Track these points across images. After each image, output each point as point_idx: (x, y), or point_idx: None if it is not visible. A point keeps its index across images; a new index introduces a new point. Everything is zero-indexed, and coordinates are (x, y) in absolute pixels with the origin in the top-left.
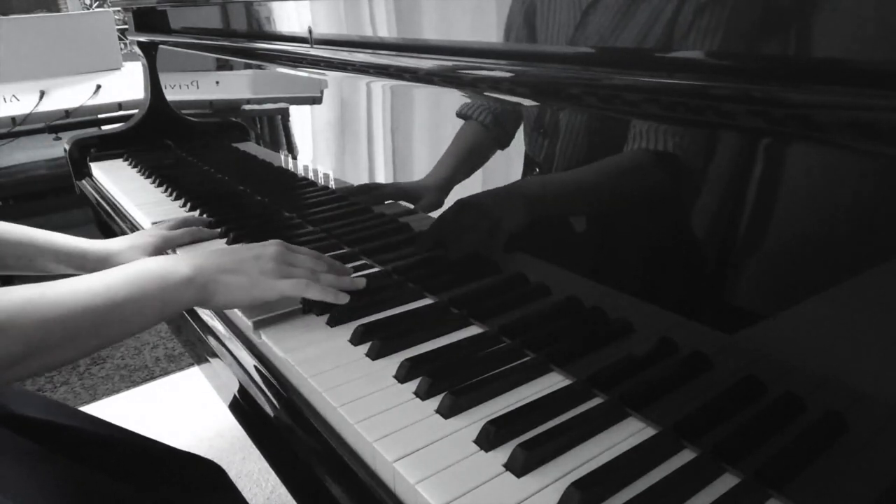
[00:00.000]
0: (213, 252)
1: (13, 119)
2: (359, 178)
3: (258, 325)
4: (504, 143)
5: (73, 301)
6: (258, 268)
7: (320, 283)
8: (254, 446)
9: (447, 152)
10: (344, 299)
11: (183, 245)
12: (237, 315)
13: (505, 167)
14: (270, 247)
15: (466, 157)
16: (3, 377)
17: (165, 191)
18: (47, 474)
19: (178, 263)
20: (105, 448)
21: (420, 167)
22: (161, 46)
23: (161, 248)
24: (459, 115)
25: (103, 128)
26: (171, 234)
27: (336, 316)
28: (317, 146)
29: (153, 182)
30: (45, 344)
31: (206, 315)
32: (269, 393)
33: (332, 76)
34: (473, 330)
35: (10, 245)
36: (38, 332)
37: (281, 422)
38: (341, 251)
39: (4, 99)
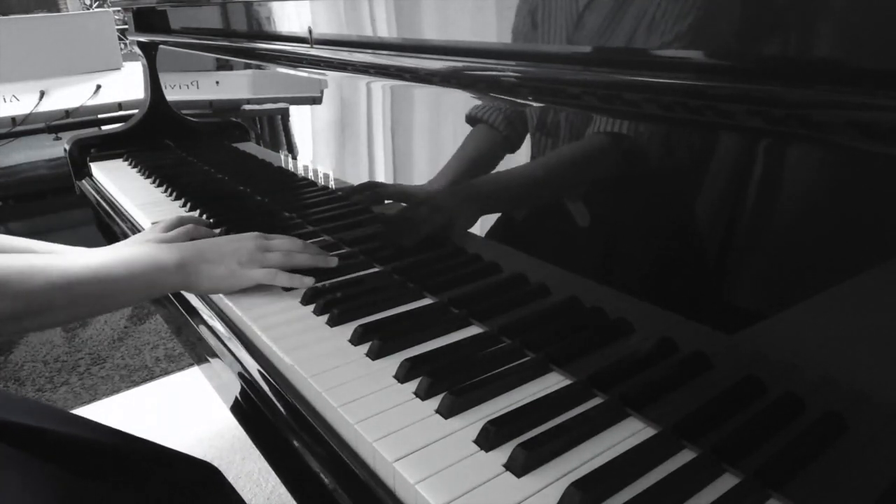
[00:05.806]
0: (198, 242)
1: (13, 119)
2: (359, 178)
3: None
4: (515, 145)
5: (76, 271)
6: (236, 259)
7: (295, 262)
8: (254, 446)
9: (456, 156)
10: (309, 283)
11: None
12: (237, 314)
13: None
14: (248, 241)
15: (476, 160)
16: (3, 330)
17: (165, 191)
18: (37, 479)
19: (168, 251)
20: (93, 449)
21: (420, 167)
22: (161, 46)
23: None
24: (469, 119)
25: (103, 128)
26: (167, 236)
27: (336, 316)
28: (317, 146)
29: (153, 182)
30: (49, 305)
31: (206, 315)
32: (268, 393)
33: (332, 76)
34: (473, 330)
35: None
36: (43, 294)
37: (280, 422)
38: (341, 251)
39: (4, 99)
